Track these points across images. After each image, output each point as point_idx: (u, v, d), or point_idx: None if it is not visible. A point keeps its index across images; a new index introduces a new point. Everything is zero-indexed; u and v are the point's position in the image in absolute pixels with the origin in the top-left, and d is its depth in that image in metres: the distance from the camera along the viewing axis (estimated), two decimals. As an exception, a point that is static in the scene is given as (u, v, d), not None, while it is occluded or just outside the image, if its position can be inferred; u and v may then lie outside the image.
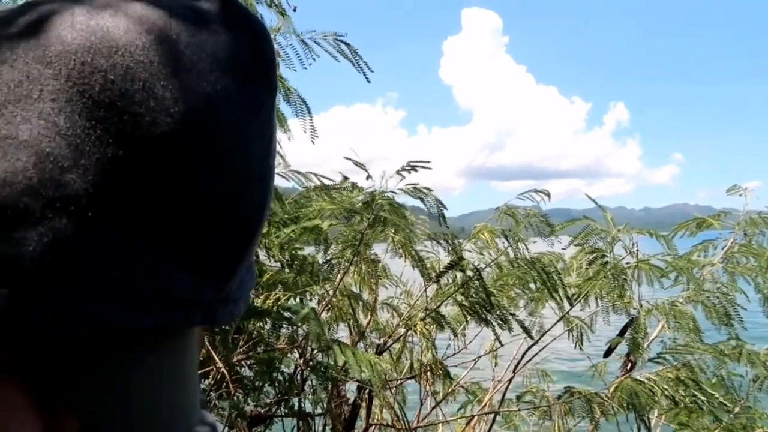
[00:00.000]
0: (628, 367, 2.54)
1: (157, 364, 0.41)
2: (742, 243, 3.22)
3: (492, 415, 2.93)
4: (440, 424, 3.02)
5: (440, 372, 2.25)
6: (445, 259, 3.02)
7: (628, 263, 2.94)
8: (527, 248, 2.88)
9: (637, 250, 2.86)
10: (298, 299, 2.99)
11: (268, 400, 2.97)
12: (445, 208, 2.20)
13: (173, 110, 0.37)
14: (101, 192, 0.34)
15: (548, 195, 3.07)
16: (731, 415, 2.53)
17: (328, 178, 2.33)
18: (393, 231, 2.73)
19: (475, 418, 3.03)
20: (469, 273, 2.04)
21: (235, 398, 2.65)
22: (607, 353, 2.94)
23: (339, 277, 2.87)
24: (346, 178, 2.31)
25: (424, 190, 2.19)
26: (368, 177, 2.65)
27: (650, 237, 3.24)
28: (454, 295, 2.30)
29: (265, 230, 3.17)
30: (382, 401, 2.18)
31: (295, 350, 2.65)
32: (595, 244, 2.95)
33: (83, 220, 0.34)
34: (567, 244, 2.91)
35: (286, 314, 2.32)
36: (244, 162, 0.41)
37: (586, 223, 2.63)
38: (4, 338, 0.36)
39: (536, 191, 3.03)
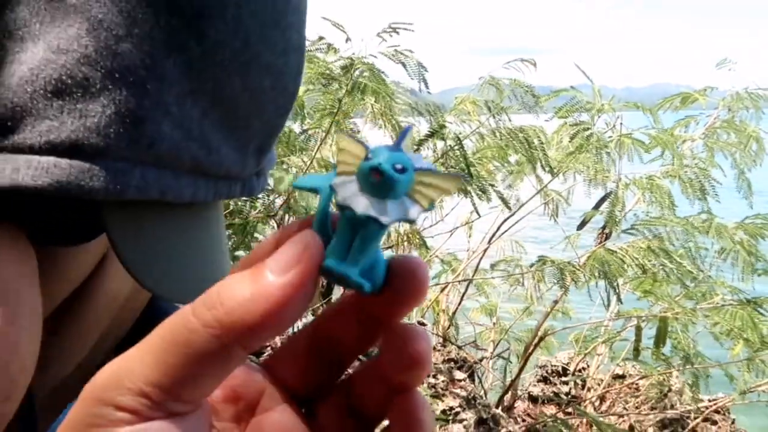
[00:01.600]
0: (602, 239, 2.60)
1: (193, 231, 0.41)
2: (724, 119, 3.19)
3: (465, 284, 3.04)
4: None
5: (417, 241, 2.27)
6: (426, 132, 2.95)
7: (610, 137, 2.91)
8: (509, 119, 2.82)
9: (621, 123, 2.82)
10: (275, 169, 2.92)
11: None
12: (426, 70, 2.08)
13: None
14: (157, 63, 0.33)
15: (534, 64, 2.95)
16: (693, 284, 2.65)
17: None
18: (373, 99, 2.62)
19: (449, 285, 3.14)
20: (450, 142, 1.98)
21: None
22: (581, 225, 3.00)
23: (317, 147, 2.79)
24: (321, 38, 2.15)
25: (405, 53, 2.06)
26: (347, 40, 2.49)
27: (635, 110, 3.18)
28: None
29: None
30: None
31: (272, 220, 2.64)
32: (579, 117, 2.89)
33: (143, 92, 0.32)
34: (550, 116, 2.84)
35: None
36: (285, 31, 0.39)
37: (573, 94, 2.55)
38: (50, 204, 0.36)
39: (522, 60, 2.90)
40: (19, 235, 0.36)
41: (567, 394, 3.06)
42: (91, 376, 0.23)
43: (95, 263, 0.63)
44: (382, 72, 2.57)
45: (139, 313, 0.76)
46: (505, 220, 2.92)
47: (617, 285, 1.95)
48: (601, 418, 2.57)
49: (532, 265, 2.40)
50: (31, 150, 0.31)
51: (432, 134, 1.84)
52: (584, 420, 2.64)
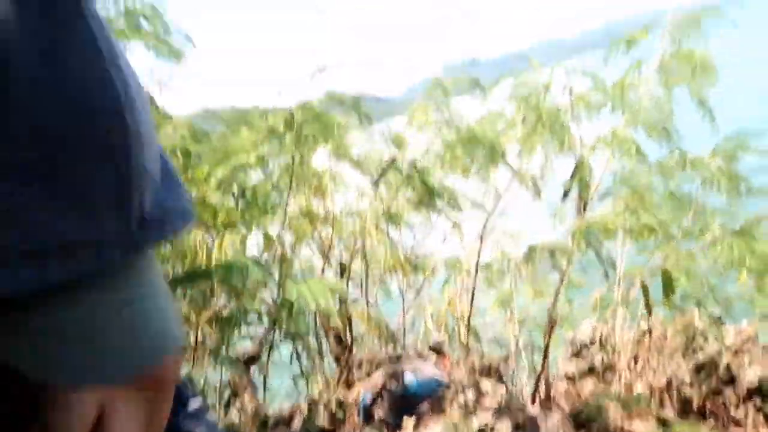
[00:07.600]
0: (581, 208, 2.59)
1: (95, 309, 0.36)
2: (671, 52, 3.18)
3: (472, 287, 3.03)
4: (425, 309, 3.13)
5: (407, 268, 2.27)
6: (390, 149, 2.95)
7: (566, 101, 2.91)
8: (462, 118, 2.82)
9: (571, 88, 2.81)
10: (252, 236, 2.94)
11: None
12: (362, 104, 2.10)
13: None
14: None
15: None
16: (687, 220, 2.63)
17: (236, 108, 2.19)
18: (324, 141, 2.63)
19: (456, 291, 3.13)
20: (408, 171, 1.99)
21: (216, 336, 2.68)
22: (564, 197, 2.99)
23: (285, 200, 2.80)
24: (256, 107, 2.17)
25: (340, 95, 2.07)
26: (279, 93, 2.51)
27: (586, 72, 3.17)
28: (403, 193, 2.27)
29: (200, 171, 3.07)
30: (362, 318, 2.20)
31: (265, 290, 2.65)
32: (528, 94, 2.89)
33: None
34: (498, 99, 2.84)
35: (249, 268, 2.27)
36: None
37: (509, 79, 2.55)
38: None
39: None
40: None
41: (602, 361, 3.04)
42: None
43: None
44: (326, 113, 2.59)
45: None
46: (491, 215, 2.92)
47: (605, 253, 1.94)
48: (637, 381, 2.56)
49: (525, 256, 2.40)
50: None
51: (387, 169, 1.85)
52: (622, 383, 2.63)
